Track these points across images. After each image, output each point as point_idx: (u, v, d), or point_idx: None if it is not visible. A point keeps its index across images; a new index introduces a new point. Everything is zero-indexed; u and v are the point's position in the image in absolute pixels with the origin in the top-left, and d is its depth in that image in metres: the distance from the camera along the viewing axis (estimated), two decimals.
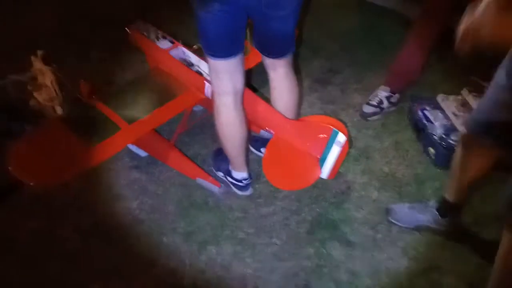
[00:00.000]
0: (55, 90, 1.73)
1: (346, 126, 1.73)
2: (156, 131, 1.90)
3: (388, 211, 1.70)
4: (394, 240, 1.63)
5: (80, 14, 2.90)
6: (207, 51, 1.42)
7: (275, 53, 1.55)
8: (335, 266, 1.54)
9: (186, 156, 1.90)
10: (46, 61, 1.71)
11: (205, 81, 1.77)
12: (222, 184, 1.80)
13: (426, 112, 2.07)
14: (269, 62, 1.61)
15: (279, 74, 1.62)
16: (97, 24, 2.78)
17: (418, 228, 1.66)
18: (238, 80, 1.50)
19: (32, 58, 1.73)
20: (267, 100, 1.72)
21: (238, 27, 1.40)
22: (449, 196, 1.58)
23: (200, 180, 1.81)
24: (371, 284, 1.49)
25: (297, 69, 2.51)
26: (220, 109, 1.53)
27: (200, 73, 1.84)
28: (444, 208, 1.60)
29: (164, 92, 1.88)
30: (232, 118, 1.53)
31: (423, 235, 1.64)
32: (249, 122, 1.66)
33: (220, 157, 1.86)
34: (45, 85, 1.72)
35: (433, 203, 1.66)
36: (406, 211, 1.68)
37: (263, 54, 1.59)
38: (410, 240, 1.63)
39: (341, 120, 1.72)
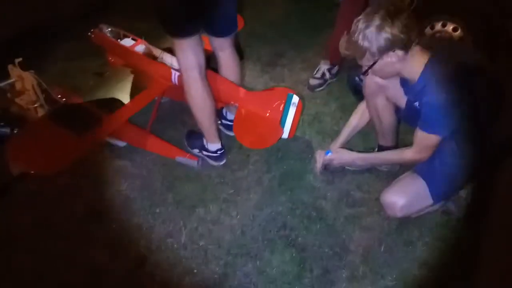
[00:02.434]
0: (35, 93, 1.88)
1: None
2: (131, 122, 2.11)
3: None
4: (350, 180, 1.97)
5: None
6: (174, 33, 1.70)
7: (223, 32, 1.86)
8: (305, 207, 1.85)
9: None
10: (23, 67, 1.86)
11: (171, 70, 2.00)
12: (199, 159, 2.05)
13: (361, 77, 2.43)
14: (217, 44, 1.91)
15: (227, 53, 1.94)
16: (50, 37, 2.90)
17: (368, 169, 2.01)
18: (200, 55, 1.78)
19: (10, 66, 1.87)
20: None
21: (196, 11, 1.68)
22: (381, 142, 1.95)
23: (179, 158, 2.04)
24: (336, 215, 1.81)
25: (247, 56, 2.83)
26: (189, 84, 1.80)
27: (164, 64, 2.08)
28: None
29: (133, 86, 2.10)
30: (201, 90, 1.80)
31: (372, 173, 1.99)
32: (215, 99, 1.92)
33: (193, 136, 2.11)
34: (26, 90, 1.87)
35: (376, 150, 2.02)
36: None
37: (213, 35, 1.88)
38: (362, 178, 1.97)
39: None
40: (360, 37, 1.35)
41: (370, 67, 1.43)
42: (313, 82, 2.58)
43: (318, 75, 2.59)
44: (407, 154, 1.57)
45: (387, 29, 1.31)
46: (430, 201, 1.49)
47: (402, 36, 1.32)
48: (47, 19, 2.94)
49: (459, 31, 2.47)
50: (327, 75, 2.59)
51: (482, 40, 2.40)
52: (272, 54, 2.91)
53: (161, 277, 1.60)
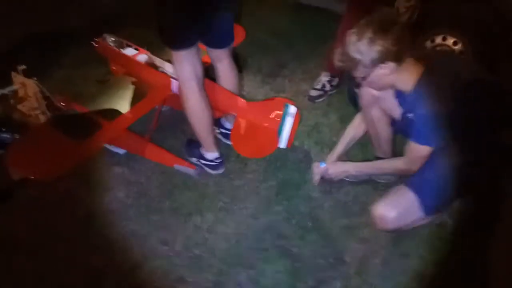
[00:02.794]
0: (37, 100, 1.92)
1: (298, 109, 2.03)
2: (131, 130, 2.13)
3: None
4: (347, 191, 1.97)
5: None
6: (171, 44, 1.73)
7: (221, 44, 1.89)
8: (301, 217, 1.85)
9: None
10: (26, 74, 1.90)
11: (171, 79, 2.03)
12: (197, 167, 2.06)
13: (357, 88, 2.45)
14: (215, 55, 1.94)
15: (225, 64, 1.97)
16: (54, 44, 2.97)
17: (366, 180, 2.00)
18: (197, 67, 1.80)
19: (13, 74, 1.91)
20: None
21: (193, 23, 1.71)
22: (378, 153, 1.96)
23: (177, 166, 2.06)
24: (332, 225, 1.81)
25: (248, 66, 2.86)
26: (187, 95, 1.82)
27: (165, 73, 2.11)
28: None
29: (134, 94, 2.13)
30: (198, 101, 1.82)
31: (369, 185, 1.98)
32: (213, 108, 1.94)
33: (191, 145, 2.13)
34: (28, 96, 1.91)
35: (374, 160, 2.02)
36: None
37: (210, 47, 1.90)
38: (360, 189, 1.97)
39: None
40: (353, 49, 1.37)
41: (363, 79, 1.44)
42: (313, 93, 2.60)
43: (319, 86, 2.61)
44: (397, 164, 1.58)
45: (379, 41, 1.33)
46: (421, 213, 1.49)
47: (394, 48, 1.34)
48: (52, 26, 3.01)
49: (459, 44, 2.48)
50: (327, 87, 2.61)
51: (483, 50, 2.41)
52: (273, 64, 2.93)
53: (154, 284, 1.60)
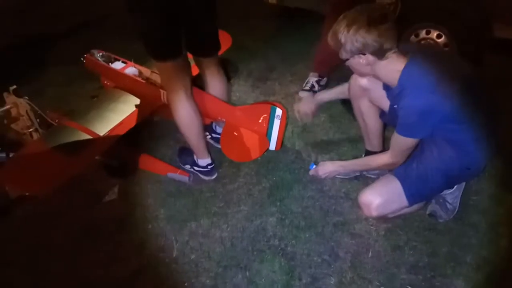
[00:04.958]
0: (30, 119, 1.96)
1: (287, 111, 2.06)
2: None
3: None
4: (339, 188, 2.00)
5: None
6: (156, 56, 1.75)
7: (206, 53, 1.92)
8: (294, 216, 1.88)
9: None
10: (17, 94, 1.94)
11: (160, 90, 2.07)
12: (191, 174, 2.10)
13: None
14: (203, 64, 1.97)
15: (213, 73, 2.00)
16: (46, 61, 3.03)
17: (357, 177, 2.04)
18: (185, 77, 1.83)
19: (5, 94, 1.96)
20: None
21: (176, 33, 1.73)
22: (368, 147, 1.99)
23: (171, 175, 2.10)
24: (325, 223, 1.84)
25: (238, 72, 2.91)
26: (177, 104, 1.84)
27: (154, 84, 2.15)
28: None
29: (125, 106, 2.17)
30: (187, 109, 1.85)
31: (360, 180, 2.02)
32: (202, 116, 1.98)
33: (184, 152, 2.17)
34: (21, 115, 1.95)
35: (363, 156, 2.05)
36: None
37: (197, 56, 1.94)
38: (351, 186, 2.00)
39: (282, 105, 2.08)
40: (340, 33, 1.40)
41: (344, 61, 1.48)
42: (302, 94, 2.64)
43: (307, 87, 2.65)
44: (382, 158, 1.61)
45: (362, 34, 1.35)
46: (405, 202, 1.51)
47: (374, 44, 1.36)
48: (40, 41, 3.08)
49: (443, 37, 2.52)
50: (316, 87, 2.65)
51: (466, 42, 2.44)
52: (262, 68, 2.98)
53: None
